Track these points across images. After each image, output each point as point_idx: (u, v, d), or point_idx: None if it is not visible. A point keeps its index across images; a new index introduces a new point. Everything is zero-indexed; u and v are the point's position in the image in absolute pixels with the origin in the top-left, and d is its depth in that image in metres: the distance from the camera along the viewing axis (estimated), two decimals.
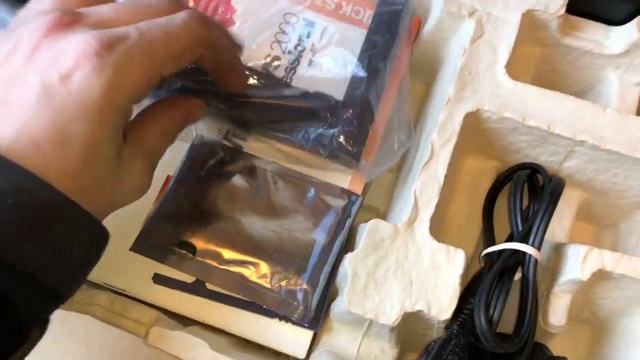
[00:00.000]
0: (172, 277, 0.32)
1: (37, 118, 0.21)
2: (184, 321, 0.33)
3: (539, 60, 0.38)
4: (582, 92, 0.39)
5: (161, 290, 0.32)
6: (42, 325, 0.24)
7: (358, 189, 0.34)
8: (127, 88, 0.23)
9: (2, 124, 0.21)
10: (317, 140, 0.31)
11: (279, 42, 0.34)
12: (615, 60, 0.36)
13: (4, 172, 0.21)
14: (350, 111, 0.32)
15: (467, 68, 0.34)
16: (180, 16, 0.25)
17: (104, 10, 0.24)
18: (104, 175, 0.23)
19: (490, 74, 0.34)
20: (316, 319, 0.31)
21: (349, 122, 0.32)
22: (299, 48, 0.33)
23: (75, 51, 0.22)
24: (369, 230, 0.31)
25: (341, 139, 0.31)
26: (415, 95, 0.39)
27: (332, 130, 0.31)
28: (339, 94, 0.32)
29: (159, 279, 0.32)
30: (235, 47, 0.29)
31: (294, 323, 0.32)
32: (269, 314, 0.32)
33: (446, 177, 0.32)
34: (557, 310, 0.31)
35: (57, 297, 0.23)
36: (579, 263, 0.30)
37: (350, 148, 0.32)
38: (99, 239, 0.24)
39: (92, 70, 0.22)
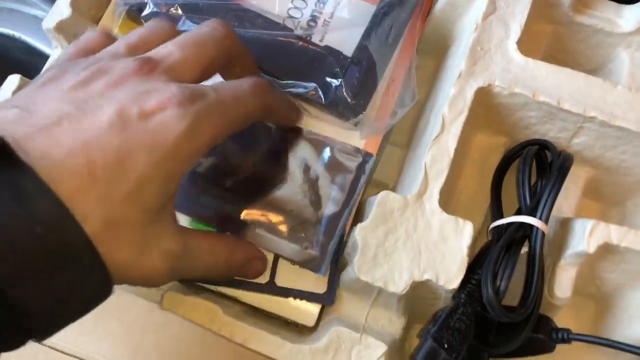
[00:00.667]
0: None
1: (101, 140, 0.21)
2: (195, 289, 0.33)
3: (551, 38, 0.38)
4: (593, 70, 0.39)
5: None
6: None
7: (374, 149, 0.35)
8: (199, 140, 0.24)
9: (63, 136, 0.21)
10: (322, 88, 0.33)
11: (296, 7, 0.36)
12: (627, 38, 0.37)
13: (43, 197, 0.19)
14: (357, 67, 0.34)
15: (479, 44, 0.34)
16: (247, 82, 0.27)
17: (171, 52, 0.25)
18: (137, 222, 0.22)
19: (501, 50, 0.34)
20: (332, 274, 0.33)
21: (353, 77, 0.33)
22: (315, 12, 0.35)
23: (160, 95, 0.23)
24: (379, 202, 0.31)
25: (343, 90, 0.33)
26: (424, 73, 0.39)
27: (336, 81, 0.33)
28: (348, 51, 0.34)
29: None
30: (292, 110, 0.33)
31: (309, 298, 0.33)
32: (285, 293, 0.33)
33: (456, 150, 0.32)
34: (563, 283, 0.32)
35: (27, 335, 0.21)
36: (586, 236, 0.31)
37: (350, 100, 0.33)
38: (103, 294, 0.23)
39: (173, 115, 0.23)
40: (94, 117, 0.22)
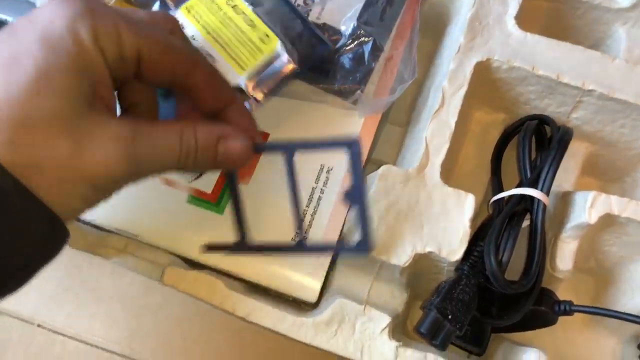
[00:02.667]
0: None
1: None
2: (196, 267, 0.33)
3: (549, 15, 0.38)
4: (590, 47, 0.38)
5: (172, 236, 0.32)
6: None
7: (372, 129, 0.35)
8: (94, 24, 0.22)
9: None
10: (322, 62, 0.33)
11: None
12: (624, 14, 0.37)
13: None
14: (354, 45, 0.34)
15: (478, 19, 0.34)
16: None
17: None
18: (59, 116, 0.21)
19: (500, 25, 0.34)
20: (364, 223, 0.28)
21: (350, 54, 0.33)
22: None
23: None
24: (380, 176, 0.31)
25: (340, 69, 0.33)
26: (423, 53, 0.39)
27: (337, 58, 0.33)
28: (345, 28, 0.34)
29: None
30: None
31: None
32: (318, 249, 0.31)
33: (457, 124, 0.32)
34: (565, 255, 0.32)
35: None
36: (587, 208, 0.31)
37: (347, 79, 0.33)
38: (54, 236, 0.22)
39: (57, 5, 0.22)
40: None
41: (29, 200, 0.20)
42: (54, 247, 0.22)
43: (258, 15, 0.32)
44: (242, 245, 0.29)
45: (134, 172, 0.23)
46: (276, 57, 0.31)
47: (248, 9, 0.31)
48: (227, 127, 0.26)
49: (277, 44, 0.31)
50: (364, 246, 0.27)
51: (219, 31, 0.31)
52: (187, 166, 0.24)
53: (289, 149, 0.27)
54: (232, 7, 0.31)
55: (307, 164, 0.34)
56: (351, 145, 0.25)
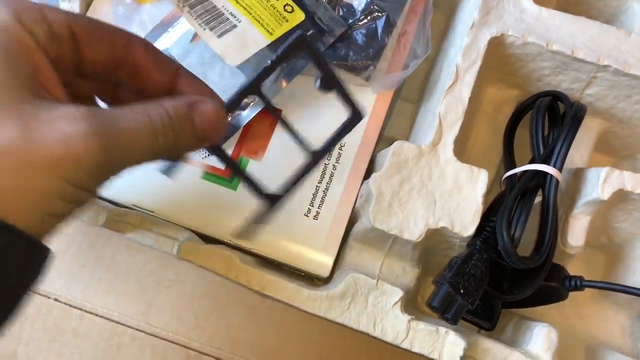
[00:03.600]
0: None
1: None
2: (211, 243, 0.33)
3: None
4: (605, 22, 0.38)
5: (187, 211, 0.33)
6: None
7: (384, 105, 0.35)
8: None
9: None
10: (338, 40, 0.33)
11: None
12: None
13: None
14: (367, 21, 0.34)
15: None
16: None
17: None
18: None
19: (514, 0, 0.34)
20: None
21: (363, 30, 0.34)
22: None
23: None
24: (393, 152, 0.31)
25: (356, 41, 0.33)
26: (435, 28, 0.39)
27: (349, 34, 0.34)
28: (358, 4, 0.34)
29: None
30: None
31: None
32: None
33: (470, 100, 0.32)
34: (576, 231, 0.32)
35: None
36: (600, 183, 0.31)
37: (362, 53, 0.33)
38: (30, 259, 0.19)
39: None
40: None
41: None
42: (26, 269, 0.19)
43: None
44: (267, 202, 0.27)
45: (109, 156, 0.20)
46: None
47: None
48: (189, 95, 0.24)
49: (304, 17, 0.31)
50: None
51: None
52: (168, 144, 0.22)
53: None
54: None
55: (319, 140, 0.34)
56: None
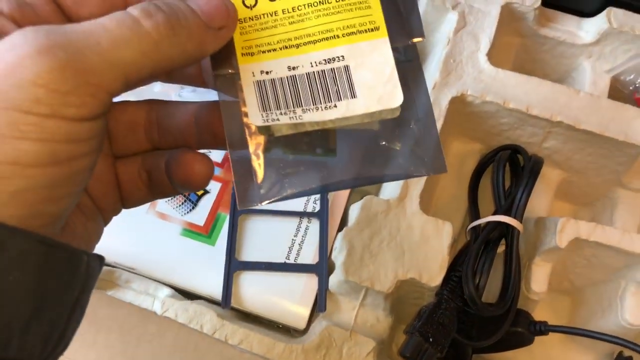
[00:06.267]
0: None
1: None
2: (190, 298, 0.35)
3: (518, 50, 0.40)
4: (558, 80, 0.41)
5: (167, 267, 0.34)
6: None
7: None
8: None
9: None
10: None
11: None
12: (588, 49, 0.39)
13: None
14: None
15: (452, 56, 0.36)
16: None
17: None
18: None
19: (473, 61, 0.36)
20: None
21: None
22: None
23: None
24: (362, 206, 0.33)
25: None
26: None
27: None
28: None
29: None
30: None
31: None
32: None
33: None
34: (539, 278, 0.34)
35: None
36: (557, 232, 0.33)
37: None
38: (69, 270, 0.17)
39: None
40: None
41: None
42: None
43: None
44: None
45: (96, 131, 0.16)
46: None
47: None
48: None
49: None
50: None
51: None
52: (171, 41, 0.17)
53: None
54: None
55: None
56: None
